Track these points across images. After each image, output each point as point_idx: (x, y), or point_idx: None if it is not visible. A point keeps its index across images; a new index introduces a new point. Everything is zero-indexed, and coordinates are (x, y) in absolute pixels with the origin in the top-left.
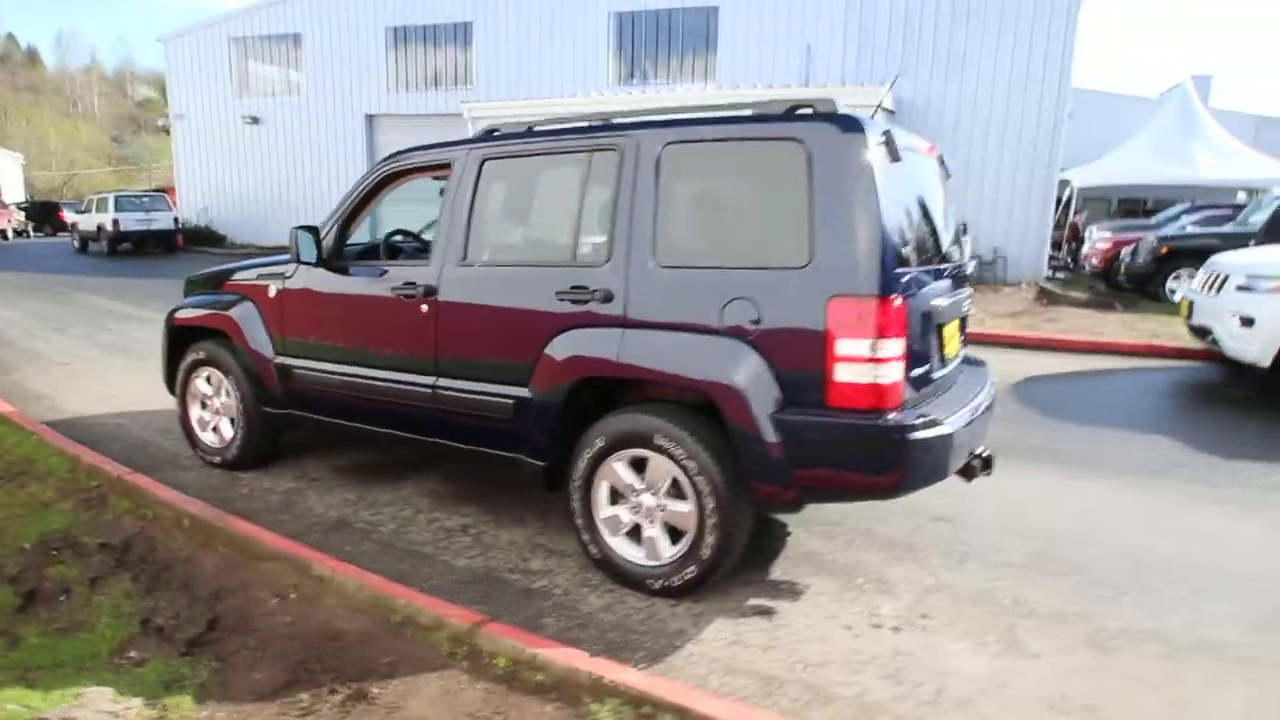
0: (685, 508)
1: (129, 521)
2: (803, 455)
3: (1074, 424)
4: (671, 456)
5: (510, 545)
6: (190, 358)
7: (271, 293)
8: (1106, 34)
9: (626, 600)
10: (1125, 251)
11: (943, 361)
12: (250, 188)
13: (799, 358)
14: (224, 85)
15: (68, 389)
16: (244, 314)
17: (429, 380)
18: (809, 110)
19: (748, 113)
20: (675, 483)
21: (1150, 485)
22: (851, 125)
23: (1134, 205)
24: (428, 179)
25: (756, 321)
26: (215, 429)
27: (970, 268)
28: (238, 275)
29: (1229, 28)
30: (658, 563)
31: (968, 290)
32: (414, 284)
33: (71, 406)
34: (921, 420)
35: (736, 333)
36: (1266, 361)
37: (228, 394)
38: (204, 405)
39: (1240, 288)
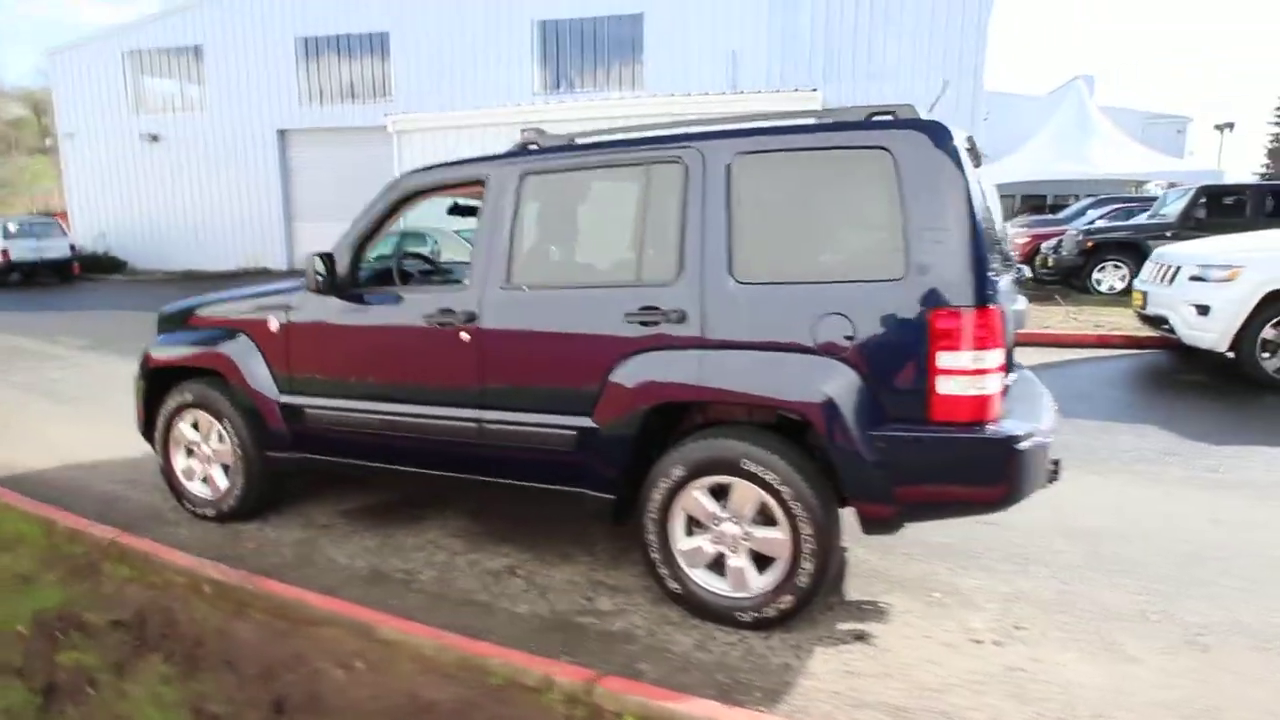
0: (778, 534)
1: (134, 591)
2: (904, 472)
3: (1061, 417)
4: (761, 482)
5: (569, 585)
6: (174, 401)
7: (274, 326)
8: (999, 38)
9: (716, 636)
10: (1047, 246)
11: (1011, 368)
12: (152, 210)
13: (897, 373)
14: (118, 101)
15: (3, 443)
16: (240, 350)
17: (473, 414)
18: (889, 116)
19: (820, 120)
20: (762, 509)
21: (1159, 476)
22: (941, 134)
23: (1037, 201)
24: (445, 197)
25: (850, 337)
26: (206, 478)
27: (1027, 271)
28: (224, 307)
29: (1107, 28)
30: (746, 594)
31: (1022, 295)
32: (450, 310)
33: (17, 461)
34: (1025, 430)
35: (829, 350)
36: (1224, 346)
37: (221, 439)
38: (190, 453)
39: (1193, 278)
